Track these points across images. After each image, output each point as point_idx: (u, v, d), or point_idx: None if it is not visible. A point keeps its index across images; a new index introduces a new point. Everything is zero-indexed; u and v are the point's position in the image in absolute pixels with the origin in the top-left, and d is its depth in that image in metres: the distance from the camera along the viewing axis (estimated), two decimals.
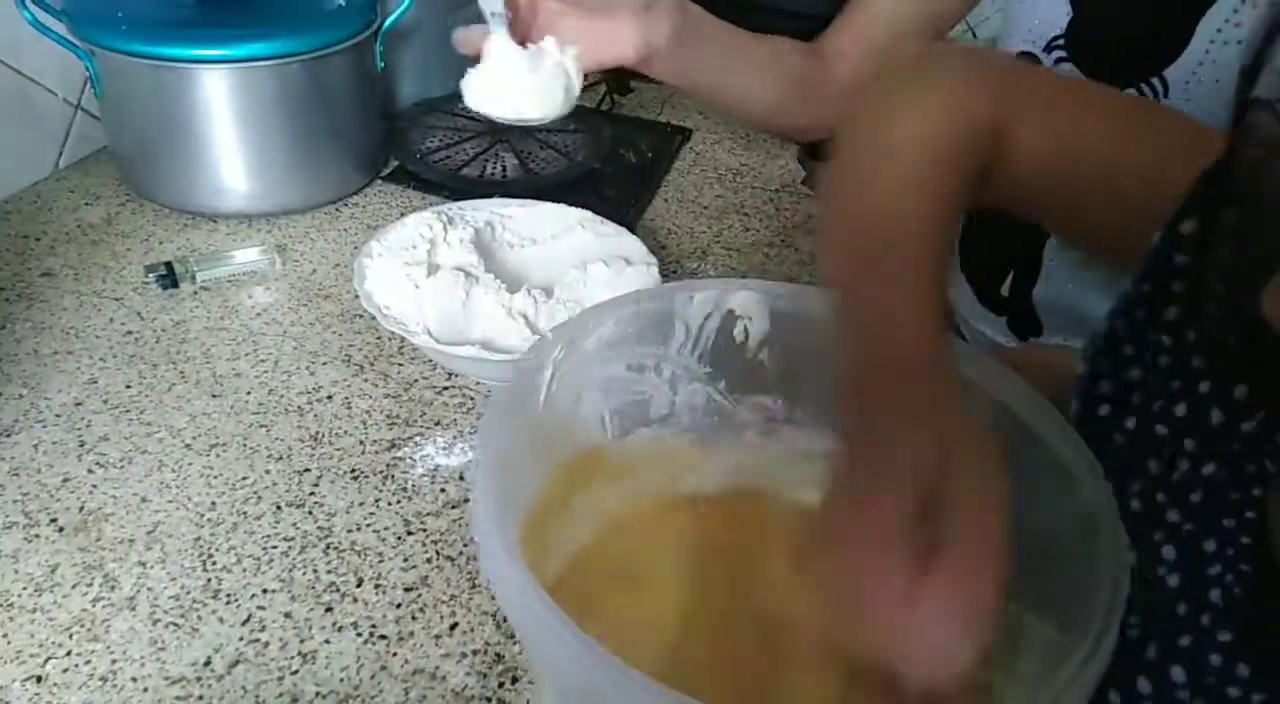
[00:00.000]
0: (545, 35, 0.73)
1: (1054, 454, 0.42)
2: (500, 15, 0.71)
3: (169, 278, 0.82)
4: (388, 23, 0.96)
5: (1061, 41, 0.70)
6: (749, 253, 0.94)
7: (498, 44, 0.72)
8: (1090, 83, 0.51)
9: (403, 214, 0.87)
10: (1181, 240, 0.38)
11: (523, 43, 0.73)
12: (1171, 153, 0.43)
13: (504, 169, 1.01)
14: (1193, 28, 0.62)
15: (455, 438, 0.70)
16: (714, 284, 0.53)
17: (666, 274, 0.83)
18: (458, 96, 1.13)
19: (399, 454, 0.68)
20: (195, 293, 0.83)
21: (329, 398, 0.73)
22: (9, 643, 0.54)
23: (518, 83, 0.71)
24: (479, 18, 0.74)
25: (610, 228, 0.82)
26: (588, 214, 0.84)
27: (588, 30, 0.71)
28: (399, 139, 1.03)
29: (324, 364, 0.76)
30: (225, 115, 0.87)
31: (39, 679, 0.52)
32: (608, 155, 1.04)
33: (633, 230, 0.84)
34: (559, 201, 0.86)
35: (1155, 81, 0.64)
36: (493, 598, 0.58)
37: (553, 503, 0.50)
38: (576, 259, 0.79)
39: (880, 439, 0.34)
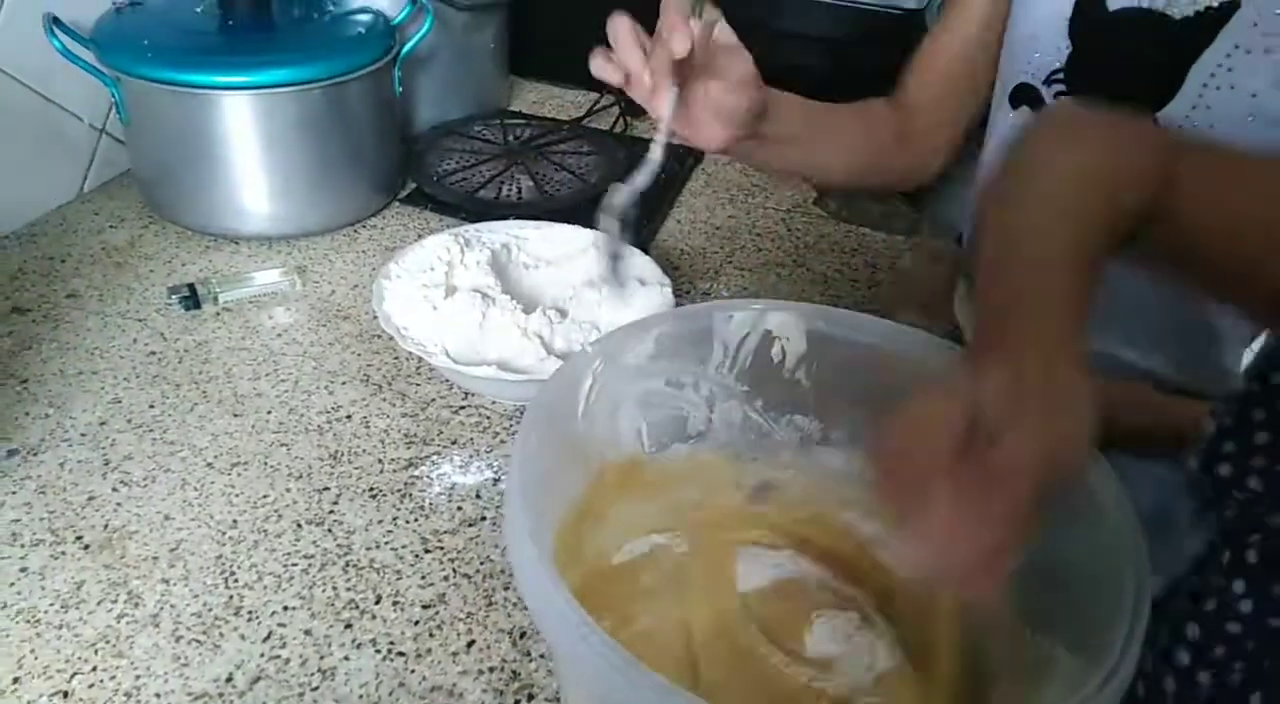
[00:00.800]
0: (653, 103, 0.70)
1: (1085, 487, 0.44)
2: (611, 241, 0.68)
3: (191, 299, 0.84)
4: (406, 49, 0.98)
5: (1061, 75, 0.71)
6: (761, 273, 0.95)
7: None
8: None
9: (420, 236, 0.89)
10: None
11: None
12: None
13: (519, 191, 1.02)
14: (1184, 70, 0.63)
15: (472, 456, 0.71)
16: (752, 304, 0.54)
17: (680, 294, 0.84)
18: (473, 119, 1.16)
19: (416, 473, 0.69)
20: (217, 314, 0.84)
21: (348, 417, 0.74)
22: (36, 658, 0.55)
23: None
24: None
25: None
26: (597, 234, 0.84)
27: (685, 117, 0.70)
28: (416, 162, 1.05)
29: (343, 384, 0.77)
30: (247, 140, 0.89)
31: (65, 694, 0.53)
32: (621, 177, 1.05)
33: (646, 251, 0.85)
34: (573, 223, 0.87)
35: (1153, 120, 0.65)
36: (509, 615, 0.59)
37: (587, 513, 0.51)
38: (590, 280, 0.80)
39: (965, 371, 0.38)
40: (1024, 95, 0.75)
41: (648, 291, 0.77)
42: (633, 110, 1.20)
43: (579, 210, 0.96)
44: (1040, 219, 0.42)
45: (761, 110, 0.68)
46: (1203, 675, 0.42)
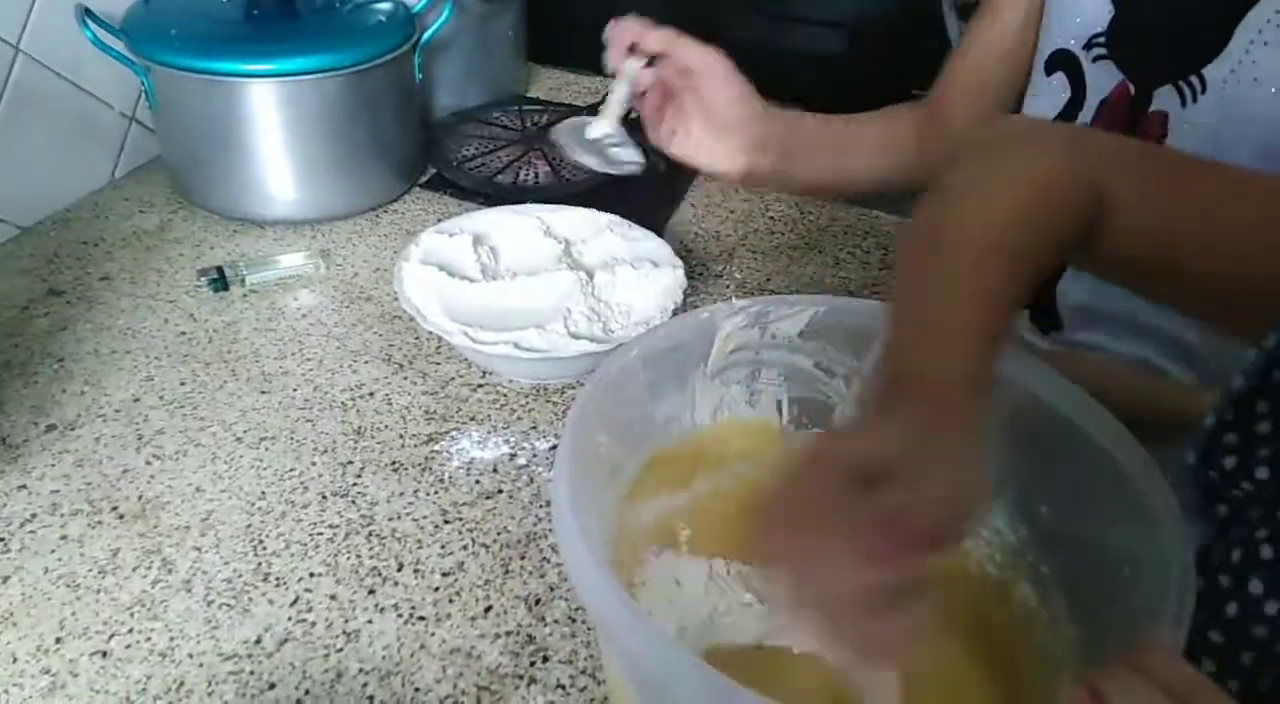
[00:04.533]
0: (669, 123, 0.73)
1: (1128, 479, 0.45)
2: (626, 86, 0.72)
3: (220, 281, 0.86)
4: (426, 36, 1.00)
5: (1102, 39, 0.71)
6: (774, 256, 0.97)
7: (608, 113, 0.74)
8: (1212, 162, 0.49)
9: (440, 219, 0.91)
10: None
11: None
12: None
13: (536, 176, 1.04)
14: (1233, 27, 0.63)
15: (489, 432, 0.73)
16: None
17: (692, 277, 0.86)
18: (491, 106, 1.18)
19: (436, 448, 0.72)
20: (244, 296, 0.87)
21: (370, 395, 0.76)
22: (77, 620, 0.58)
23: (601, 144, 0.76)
24: None
25: (639, 232, 0.85)
26: (616, 218, 0.87)
27: (699, 139, 0.72)
28: (436, 147, 1.07)
29: (366, 363, 0.80)
30: (272, 126, 0.91)
31: (104, 654, 0.56)
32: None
33: (660, 234, 0.87)
34: (589, 207, 0.89)
35: (1194, 79, 0.65)
36: (525, 582, 0.62)
37: (641, 490, 0.53)
38: (606, 262, 0.82)
39: (862, 422, 0.38)
40: (1061, 62, 0.74)
41: (661, 273, 0.79)
42: None
43: (595, 195, 0.98)
44: (949, 274, 0.43)
45: (759, 106, 0.70)
46: (1231, 684, 0.42)
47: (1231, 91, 0.64)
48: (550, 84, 1.30)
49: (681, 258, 0.83)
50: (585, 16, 1.47)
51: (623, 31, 0.69)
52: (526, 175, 1.04)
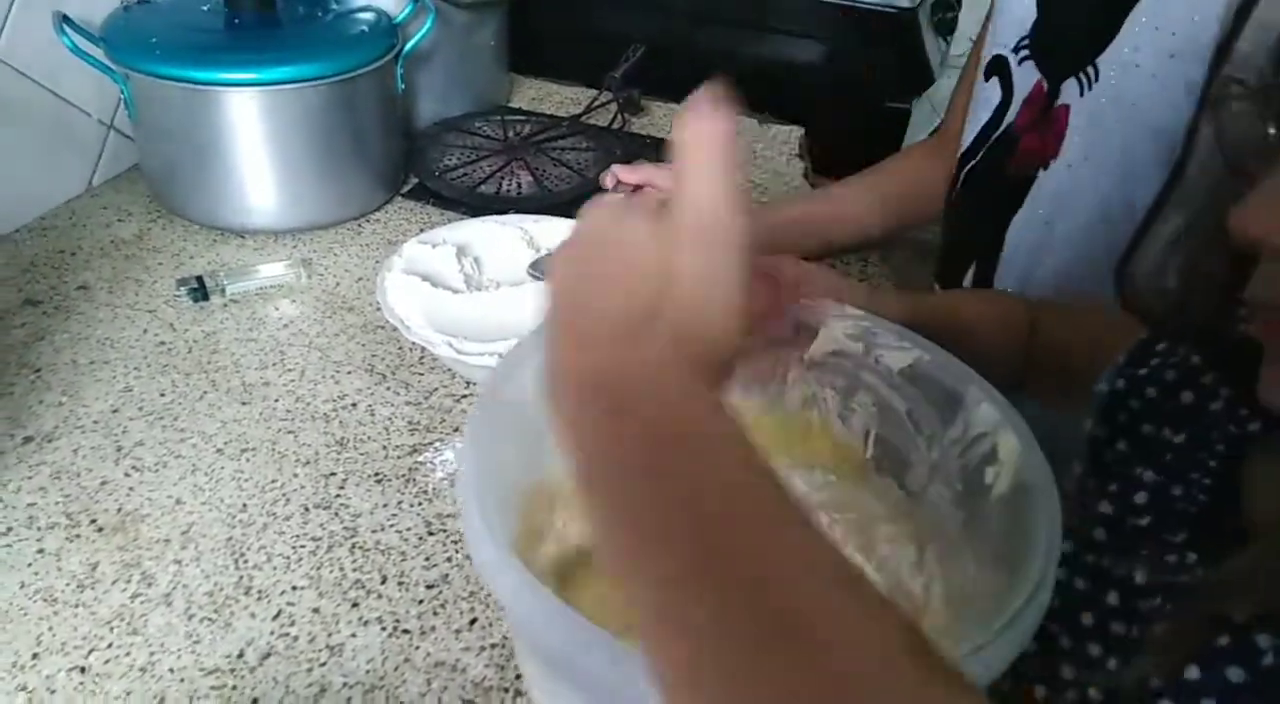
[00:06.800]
0: None
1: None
2: None
3: (200, 291, 0.85)
4: (409, 46, 1.00)
5: (1027, 41, 0.76)
6: None
7: None
8: None
9: (422, 229, 0.91)
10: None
11: None
12: None
13: (519, 186, 1.04)
14: (1123, 18, 0.68)
15: None
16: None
17: None
18: (474, 116, 1.18)
19: (420, 459, 0.71)
20: (225, 305, 0.86)
21: (354, 405, 0.76)
22: (54, 635, 0.57)
23: None
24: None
25: None
26: None
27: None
28: (419, 157, 1.06)
29: (349, 373, 0.79)
30: (253, 135, 0.91)
31: (83, 670, 0.55)
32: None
33: None
34: (572, 217, 0.89)
35: (1090, 69, 0.70)
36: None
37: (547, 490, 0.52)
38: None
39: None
40: (996, 67, 0.79)
41: None
42: (631, 107, 1.22)
43: (577, 204, 0.98)
44: None
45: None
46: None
47: (1119, 78, 0.69)
48: (532, 94, 1.30)
49: None
50: (567, 26, 1.49)
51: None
52: (509, 185, 1.04)
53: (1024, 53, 0.76)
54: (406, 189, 1.05)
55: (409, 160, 1.06)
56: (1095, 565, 0.46)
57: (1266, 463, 0.42)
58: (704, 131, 0.32)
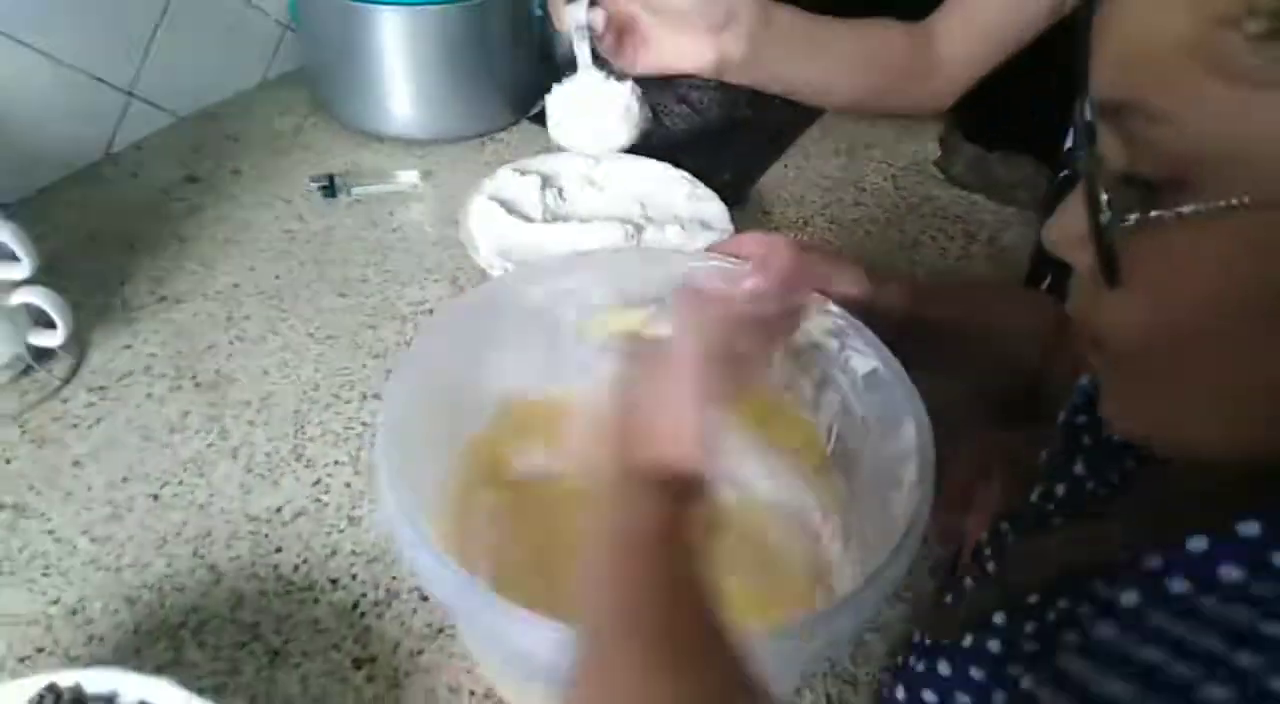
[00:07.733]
0: (635, 41, 0.78)
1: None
2: (584, 30, 0.78)
3: (329, 188, 0.95)
4: None
5: None
6: (851, 229, 0.97)
7: (581, 77, 0.83)
8: None
9: (536, 153, 0.96)
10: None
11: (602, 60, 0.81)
12: None
13: None
14: None
15: None
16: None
17: None
18: None
19: None
20: (349, 205, 0.96)
21: (430, 312, 0.84)
22: (142, 466, 0.69)
23: (588, 116, 0.84)
24: None
25: (704, 191, 0.88)
26: (686, 175, 0.89)
27: (662, 42, 0.76)
28: (549, 84, 1.11)
29: (435, 282, 0.87)
30: (395, 49, 0.98)
31: (155, 498, 0.67)
32: (740, 117, 1.09)
33: (747, 193, 0.88)
34: (681, 155, 0.92)
35: None
36: None
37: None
38: (662, 218, 0.85)
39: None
40: None
41: (707, 236, 0.81)
42: None
43: (691, 145, 1.00)
44: None
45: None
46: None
47: None
48: None
49: (758, 221, 0.85)
50: None
51: None
52: None
53: None
54: (534, 112, 1.10)
55: (541, 86, 1.11)
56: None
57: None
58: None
